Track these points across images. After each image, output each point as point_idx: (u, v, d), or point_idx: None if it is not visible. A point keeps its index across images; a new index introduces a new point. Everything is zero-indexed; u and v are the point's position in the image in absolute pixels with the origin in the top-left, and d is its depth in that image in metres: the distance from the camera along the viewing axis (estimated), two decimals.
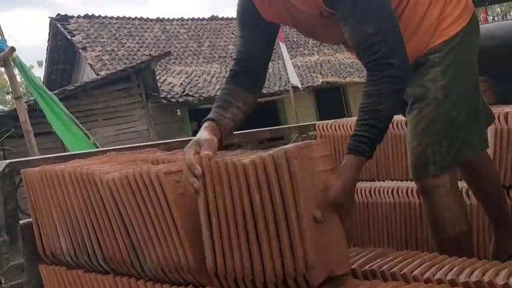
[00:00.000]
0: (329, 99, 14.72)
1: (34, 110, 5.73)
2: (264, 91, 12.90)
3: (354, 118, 2.64)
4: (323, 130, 2.61)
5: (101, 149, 1.75)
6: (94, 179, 1.30)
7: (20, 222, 1.48)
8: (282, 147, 1.08)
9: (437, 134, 1.46)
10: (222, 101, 1.52)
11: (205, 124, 1.41)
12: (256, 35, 1.57)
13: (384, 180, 2.39)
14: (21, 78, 4.20)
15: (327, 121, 2.67)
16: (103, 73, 12.22)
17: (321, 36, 1.61)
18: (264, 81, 1.64)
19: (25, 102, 4.56)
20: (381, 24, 1.30)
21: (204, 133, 1.34)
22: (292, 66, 10.77)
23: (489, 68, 1.76)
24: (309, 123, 2.57)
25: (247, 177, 1.05)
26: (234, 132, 2.11)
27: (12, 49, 3.83)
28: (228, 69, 15.09)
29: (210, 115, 1.44)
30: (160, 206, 1.19)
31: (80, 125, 4.43)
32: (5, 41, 3.88)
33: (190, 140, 2.09)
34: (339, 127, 2.57)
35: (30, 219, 1.48)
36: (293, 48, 17.74)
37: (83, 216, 1.35)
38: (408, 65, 1.32)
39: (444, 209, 1.47)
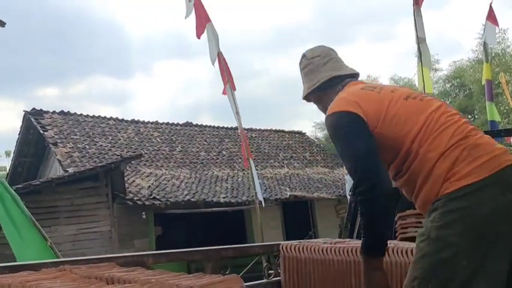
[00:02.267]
0: (296, 213, 14.76)
1: None
2: (232, 200, 12.91)
3: (319, 240, 2.63)
4: (287, 251, 2.57)
5: (55, 260, 1.68)
6: None
7: None
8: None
9: (424, 270, 1.55)
10: (387, 227, 1.83)
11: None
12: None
13: None
14: None
15: (292, 242, 2.64)
16: (71, 170, 12.11)
17: None
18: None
19: None
20: (351, 161, 1.76)
21: None
22: (261, 177, 10.88)
23: None
24: (274, 243, 2.55)
25: None
26: (196, 249, 2.07)
27: None
28: (197, 175, 15.19)
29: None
30: None
31: (38, 226, 4.27)
32: None
33: (149, 253, 2.04)
34: (303, 249, 2.54)
35: None
36: (264, 159, 18.05)
37: None
38: (378, 182, 1.66)
39: None
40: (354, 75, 2.07)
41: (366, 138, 1.73)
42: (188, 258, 2.01)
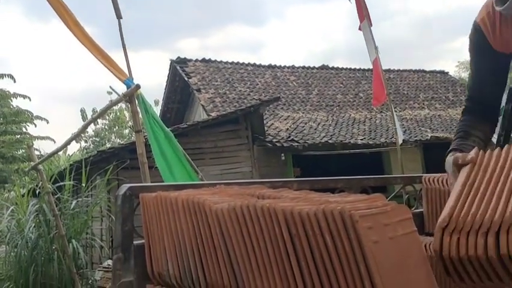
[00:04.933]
0: (438, 155, 14.01)
1: (148, 145, 6.13)
2: (370, 142, 12.75)
3: None
4: (430, 183, 2.54)
5: (211, 181, 1.85)
6: (203, 207, 1.38)
7: (134, 242, 1.59)
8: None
9: None
10: (461, 132, 1.64)
11: (450, 155, 1.50)
12: (486, 67, 1.62)
13: None
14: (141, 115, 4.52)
15: (435, 174, 2.60)
16: (213, 114, 12.78)
17: None
18: (499, 109, 1.70)
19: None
20: None
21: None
22: (399, 119, 10.59)
23: None
24: (415, 174, 2.53)
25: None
26: (339, 177, 2.13)
27: (138, 86, 4.16)
28: (334, 117, 15.18)
29: (453, 146, 1.57)
30: (264, 239, 1.24)
31: (189, 159, 4.64)
32: (132, 79, 4.23)
33: (293, 180, 2.15)
34: (447, 181, 2.49)
35: (142, 241, 1.58)
36: (403, 101, 17.45)
37: (191, 243, 1.43)
38: None
39: None
40: None
41: None
42: (331, 186, 2.09)
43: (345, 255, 1.08)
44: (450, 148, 1.55)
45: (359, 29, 7.83)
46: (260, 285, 1.23)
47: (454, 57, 62.80)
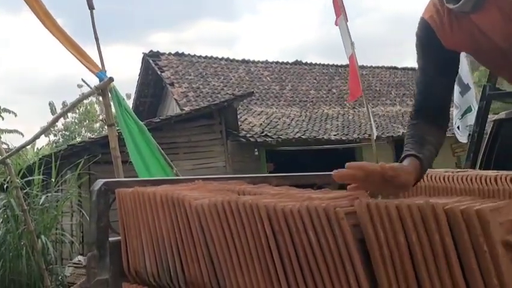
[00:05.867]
0: None
1: (121, 139, 6.04)
2: (343, 138, 12.83)
3: (439, 170, 2.57)
4: None
5: (190, 177, 1.81)
6: (183, 203, 1.35)
7: (110, 239, 1.54)
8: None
9: None
10: (415, 137, 1.50)
11: (407, 160, 1.41)
12: (436, 66, 1.55)
13: None
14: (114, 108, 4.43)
15: None
16: (187, 109, 12.68)
17: (507, 66, 1.54)
18: (449, 112, 1.62)
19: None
20: None
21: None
22: (371, 116, 10.68)
23: None
24: None
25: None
26: (316, 173, 2.12)
27: (111, 79, 4.09)
28: (307, 113, 15.24)
29: (409, 151, 1.43)
30: (245, 236, 1.21)
31: (164, 153, 4.58)
32: (105, 71, 4.15)
33: (272, 176, 2.13)
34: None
35: (119, 237, 1.54)
36: (375, 97, 17.63)
37: (169, 239, 1.40)
38: None
39: None
40: None
41: None
42: (308, 182, 2.07)
43: (330, 252, 1.06)
44: (406, 153, 1.43)
45: (336, 24, 7.87)
46: (241, 282, 1.20)
47: None
